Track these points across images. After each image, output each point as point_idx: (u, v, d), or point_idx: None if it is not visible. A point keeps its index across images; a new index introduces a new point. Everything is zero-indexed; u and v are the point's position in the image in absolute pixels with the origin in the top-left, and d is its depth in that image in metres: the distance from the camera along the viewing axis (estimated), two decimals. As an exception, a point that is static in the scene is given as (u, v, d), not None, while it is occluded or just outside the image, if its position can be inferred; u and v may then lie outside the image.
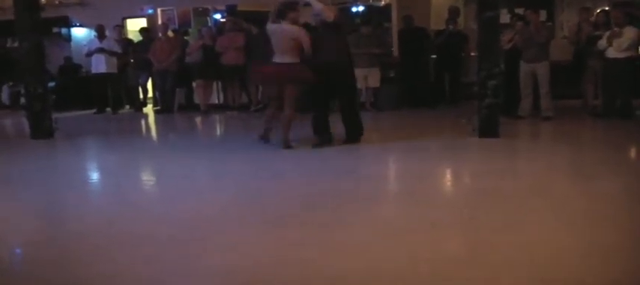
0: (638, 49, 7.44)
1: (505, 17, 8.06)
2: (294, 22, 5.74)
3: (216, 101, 10.36)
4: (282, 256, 2.86)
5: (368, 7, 10.35)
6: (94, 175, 5.56)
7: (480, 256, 2.82)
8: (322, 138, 5.90)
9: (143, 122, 9.72)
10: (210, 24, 11.03)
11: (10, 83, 11.44)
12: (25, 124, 7.47)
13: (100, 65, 9.98)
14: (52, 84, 9.79)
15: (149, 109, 10.88)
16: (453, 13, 9.63)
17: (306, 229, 3.29)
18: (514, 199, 3.87)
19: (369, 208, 3.75)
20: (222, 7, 11.16)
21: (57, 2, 11.38)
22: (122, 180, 5.02)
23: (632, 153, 5.78)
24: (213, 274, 2.67)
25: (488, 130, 6.13)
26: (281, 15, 5.73)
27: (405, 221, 3.45)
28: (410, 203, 3.96)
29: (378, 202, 3.99)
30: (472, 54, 8.97)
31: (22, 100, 9.01)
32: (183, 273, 2.68)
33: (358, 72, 8.92)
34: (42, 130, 7.19)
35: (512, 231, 3.16)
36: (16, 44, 9.54)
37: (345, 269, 2.66)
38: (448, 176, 4.91)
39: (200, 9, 11.34)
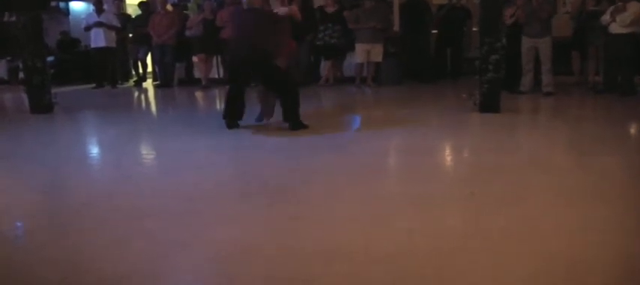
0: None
1: (508, -9, 7.96)
2: None
3: (217, 76, 10.33)
4: (280, 230, 2.87)
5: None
6: (94, 149, 5.56)
7: (480, 229, 2.82)
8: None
9: (142, 97, 9.69)
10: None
11: (8, 58, 11.37)
12: (24, 98, 7.44)
13: (99, 39, 9.95)
14: (50, 58, 9.74)
15: (148, 84, 10.85)
16: (456, -13, 9.56)
17: (304, 203, 3.30)
18: (514, 173, 3.86)
19: (367, 183, 3.74)
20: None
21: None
22: (122, 154, 5.01)
23: (632, 129, 5.76)
24: (211, 247, 2.68)
25: (489, 105, 6.12)
26: None
27: (404, 196, 3.44)
28: (409, 177, 3.96)
29: (377, 177, 3.98)
30: (474, 29, 8.91)
31: (21, 74, 8.97)
32: (183, 245, 2.69)
33: (361, 47, 8.93)
34: (41, 105, 7.16)
35: (513, 205, 3.17)
36: (13, 18, 9.46)
37: (343, 242, 2.67)
38: (448, 151, 4.90)
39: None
